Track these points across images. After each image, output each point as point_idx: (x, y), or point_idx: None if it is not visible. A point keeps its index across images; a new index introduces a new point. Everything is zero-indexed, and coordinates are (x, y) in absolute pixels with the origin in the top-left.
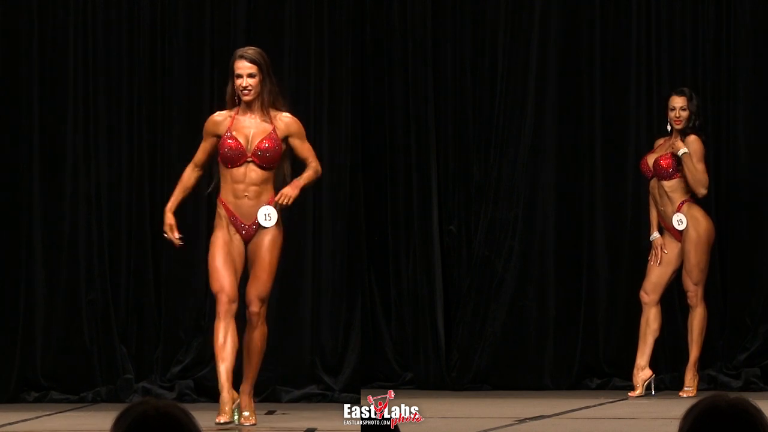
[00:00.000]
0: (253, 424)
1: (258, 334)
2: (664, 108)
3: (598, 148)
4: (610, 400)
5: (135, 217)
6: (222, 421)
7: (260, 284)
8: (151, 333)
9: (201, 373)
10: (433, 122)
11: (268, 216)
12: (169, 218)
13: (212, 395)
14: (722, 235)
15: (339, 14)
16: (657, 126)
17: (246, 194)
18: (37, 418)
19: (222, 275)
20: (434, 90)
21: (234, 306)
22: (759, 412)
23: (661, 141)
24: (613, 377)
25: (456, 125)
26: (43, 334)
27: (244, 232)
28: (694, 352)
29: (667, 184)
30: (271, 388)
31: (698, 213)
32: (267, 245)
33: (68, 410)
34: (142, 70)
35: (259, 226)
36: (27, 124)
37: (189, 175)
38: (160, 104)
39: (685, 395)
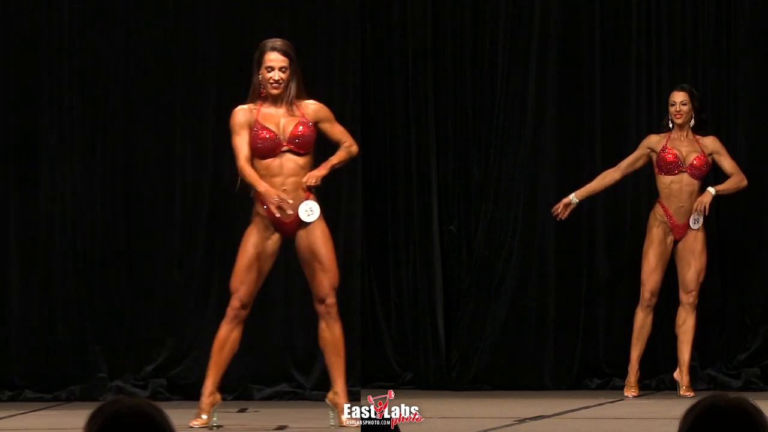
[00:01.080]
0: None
1: (339, 330)
2: (665, 106)
3: (597, 148)
4: (610, 400)
5: (109, 218)
6: (197, 426)
7: (331, 275)
8: (124, 332)
9: (174, 371)
10: (433, 122)
11: (309, 211)
12: (275, 191)
13: (185, 393)
14: (722, 236)
15: (339, 14)
16: (657, 126)
17: (284, 188)
18: (11, 416)
19: (243, 278)
20: (434, 90)
21: (244, 312)
22: (759, 411)
23: (663, 140)
24: (613, 377)
25: (456, 125)
26: (17, 333)
27: (285, 226)
28: (689, 353)
29: (697, 184)
30: (243, 386)
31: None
32: (322, 239)
33: (42, 409)
34: (117, 71)
35: (302, 222)
36: (2, 124)
37: (252, 168)
38: (133, 106)
39: (690, 395)
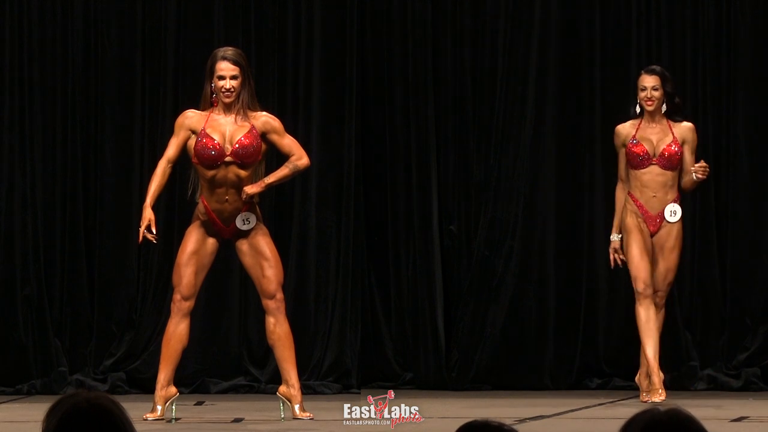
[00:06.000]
0: (311, 418)
1: (287, 324)
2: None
3: (597, 148)
4: (610, 400)
5: (69, 215)
6: (151, 418)
7: (278, 271)
8: (84, 327)
9: (133, 365)
10: (433, 122)
11: (246, 220)
12: (149, 214)
13: (144, 387)
14: (722, 235)
15: (339, 15)
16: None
17: (227, 198)
18: None
19: (182, 273)
20: (434, 90)
21: (186, 304)
22: (694, 419)
23: (633, 130)
24: (613, 377)
25: (456, 125)
26: None
27: (225, 230)
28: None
29: (670, 174)
30: (200, 380)
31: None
32: (264, 240)
33: (4, 402)
34: (76, 69)
35: (240, 231)
36: None
37: (165, 171)
38: (93, 104)
39: (659, 398)
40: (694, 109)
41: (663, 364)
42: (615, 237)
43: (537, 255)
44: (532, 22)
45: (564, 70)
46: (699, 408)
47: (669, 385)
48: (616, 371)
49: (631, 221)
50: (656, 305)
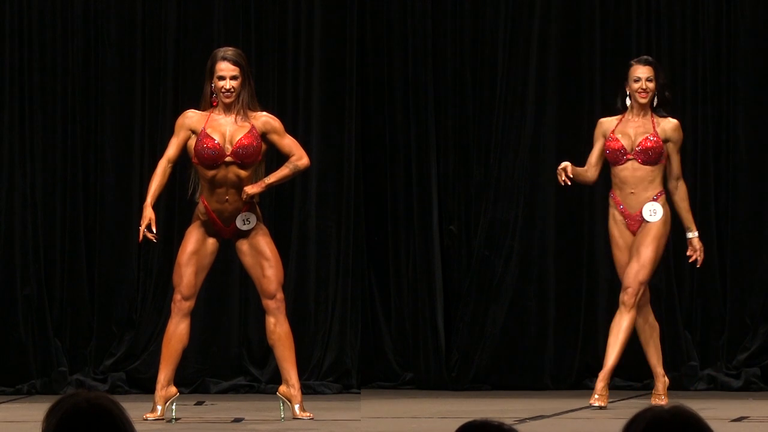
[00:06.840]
0: (311, 418)
1: (288, 324)
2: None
3: None
4: (611, 400)
5: (69, 214)
6: (151, 418)
7: (278, 271)
8: (84, 327)
9: (133, 365)
10: (433, 122)
11: (246, 220)
12: (150, 213)
13: (144, 387)
14: (722, 235)
15: (339, 14)
16: None
17: (227, 198)
18: None
19: (182, 273)
20: (434, 90)
21: (186, 304)
22: (698, 416)
23: (614, 123)
24: (613, 377)
25: (456, 125)
26: None
27: (225, 230)
28: (616, 358)
29: (652, 169)
30: (200, 380)
31: (668, 208)
32: (264, 240)
33: (4, 402)
34: (76, 69)
35: (240, 231)
36: None
37: (165, 170)
38: (93, 104)
39: (598, 403)
40: (694, 108)
41: (665, 364)
42: (566, 163)
43: (537, 255)
44: (532, 22)
45: (564, 69)
46: (699, 408)
47: (669, 386)
48: (616, 371)
49: (612, 227)
50: (624, 304)
